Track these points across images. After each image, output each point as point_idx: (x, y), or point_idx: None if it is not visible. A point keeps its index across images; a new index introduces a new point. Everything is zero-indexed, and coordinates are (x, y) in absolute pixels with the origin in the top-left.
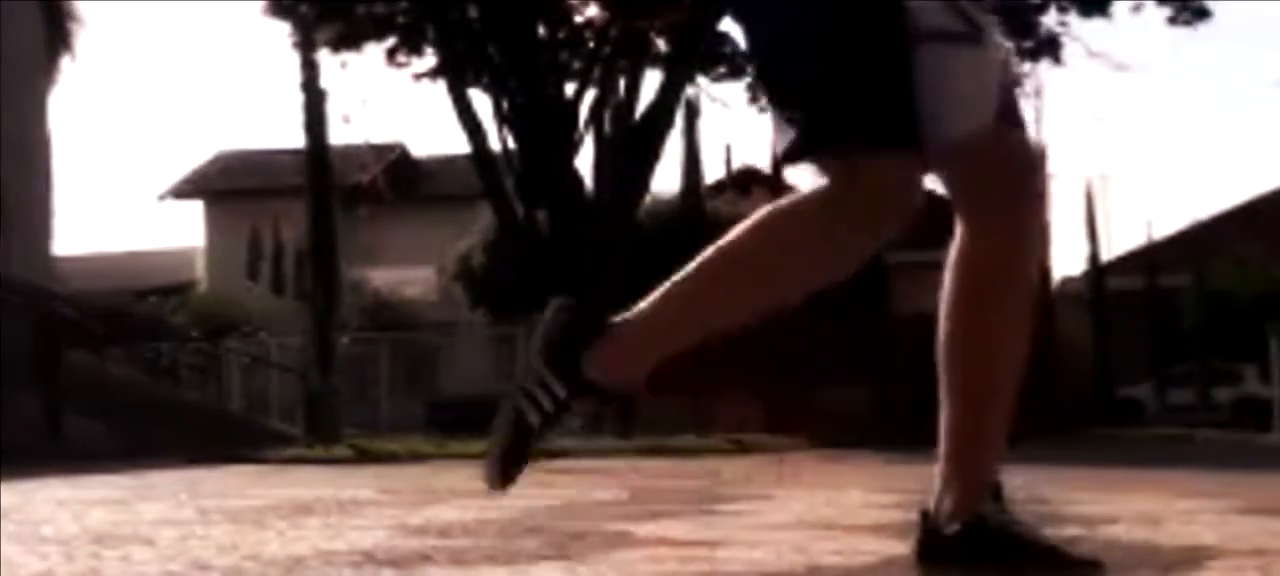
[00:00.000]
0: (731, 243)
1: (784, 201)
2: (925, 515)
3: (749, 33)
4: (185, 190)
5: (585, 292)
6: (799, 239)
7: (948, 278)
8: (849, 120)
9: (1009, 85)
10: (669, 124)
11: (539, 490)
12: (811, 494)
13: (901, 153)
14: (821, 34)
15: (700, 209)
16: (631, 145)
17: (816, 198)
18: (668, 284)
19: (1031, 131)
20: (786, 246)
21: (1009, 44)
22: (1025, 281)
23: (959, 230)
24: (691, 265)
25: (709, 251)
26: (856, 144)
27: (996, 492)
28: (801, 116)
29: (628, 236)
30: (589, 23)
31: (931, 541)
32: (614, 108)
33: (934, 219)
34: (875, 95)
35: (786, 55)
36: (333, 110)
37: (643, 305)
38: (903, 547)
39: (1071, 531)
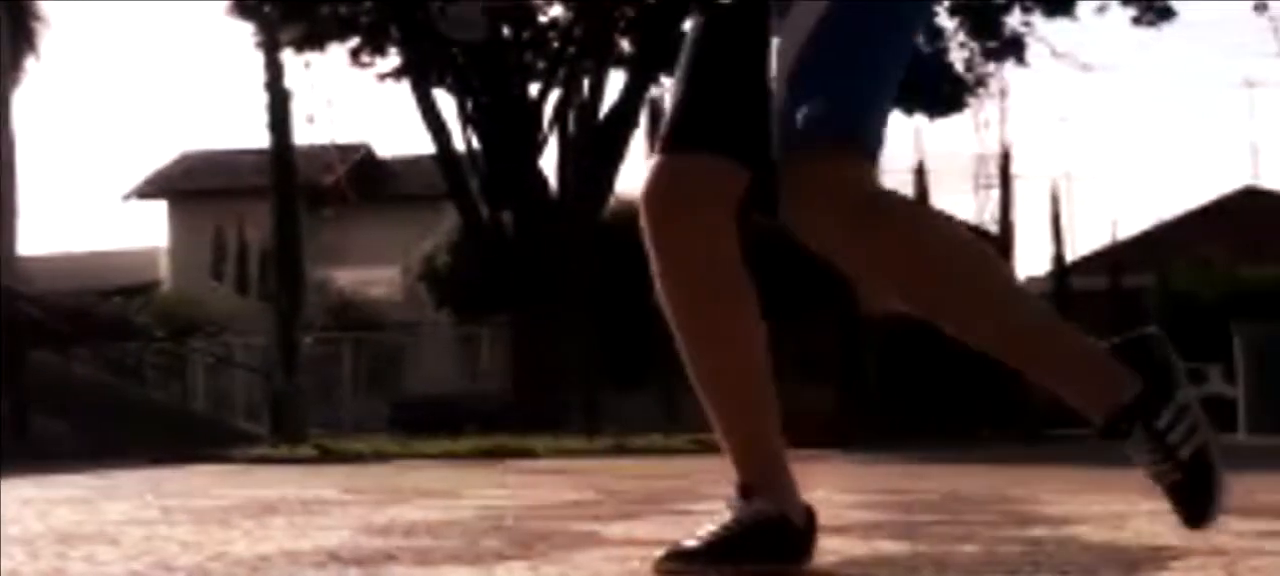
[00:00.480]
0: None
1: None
2: None
3: None
4: (149, 190)
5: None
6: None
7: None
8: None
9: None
10: (633, 124)
11: (505, 490)
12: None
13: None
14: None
15: None
16: (596, 145)
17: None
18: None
19: (993, 133)
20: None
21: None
22: (888, 238)
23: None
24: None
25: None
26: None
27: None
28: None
29: (592, 237)
30: (553, 22)
31: None
32: (578, 108)
33: None
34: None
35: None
36: (297, 110)
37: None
38: (865, 547)
39: (1037, 531)
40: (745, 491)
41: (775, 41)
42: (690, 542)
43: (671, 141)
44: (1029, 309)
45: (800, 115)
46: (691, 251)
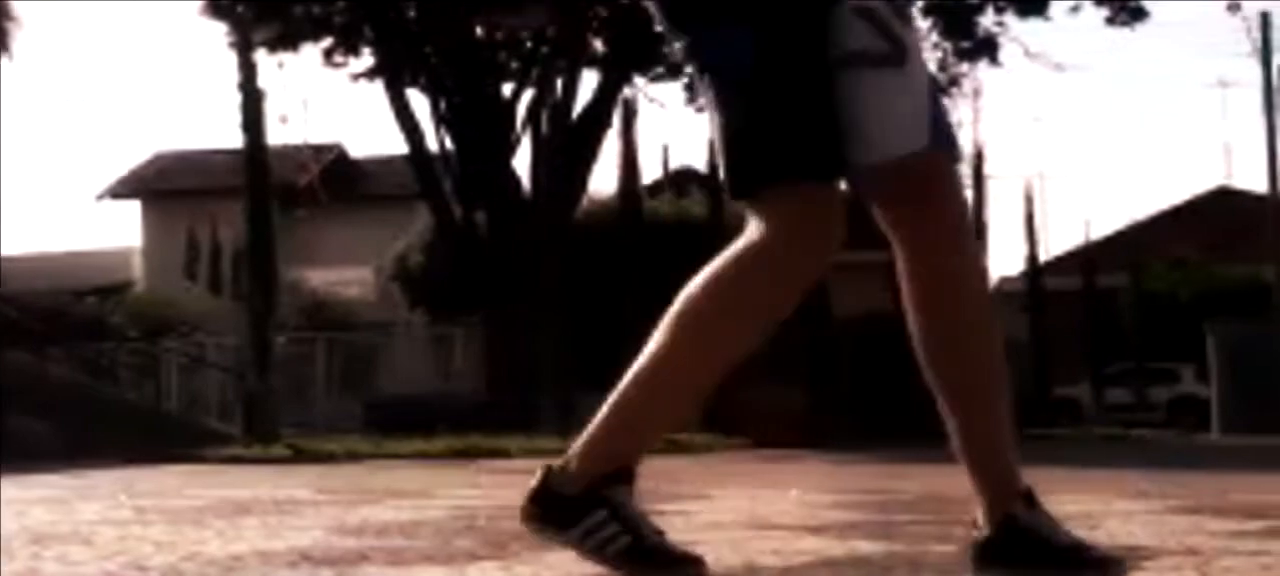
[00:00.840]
0: (689, 313)
1: (725, 258)
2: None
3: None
4: (122, 190)
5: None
6: (749, 291)
7: (913, 300)
8: (764, 162)
9: (938, 104)
10: (606, 124)
11: (477, 491)
12: (750, 493)
13: (819, 184)
14: (741, 71)
15: (637, 209)
16: (568, 145)
17: (749, 248)
18: (633, 378)
19: (966, 133)
20: (738, 303)
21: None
22: (985, 286)
23: (904, 251)
24: (652, 350)
25: (669, 328)
26: (774, 184)
27: (1028, 495)
28: (723, 162)
29: (565, 236)
30: (525, 25)
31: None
32: (551, 108)
33: (868, 219)
34: (790, 132)
35: (715, 94)
36: (270, 110)
37: (604, 416)
38: (841, 547)
39: None
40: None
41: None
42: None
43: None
44: (1002, 389)
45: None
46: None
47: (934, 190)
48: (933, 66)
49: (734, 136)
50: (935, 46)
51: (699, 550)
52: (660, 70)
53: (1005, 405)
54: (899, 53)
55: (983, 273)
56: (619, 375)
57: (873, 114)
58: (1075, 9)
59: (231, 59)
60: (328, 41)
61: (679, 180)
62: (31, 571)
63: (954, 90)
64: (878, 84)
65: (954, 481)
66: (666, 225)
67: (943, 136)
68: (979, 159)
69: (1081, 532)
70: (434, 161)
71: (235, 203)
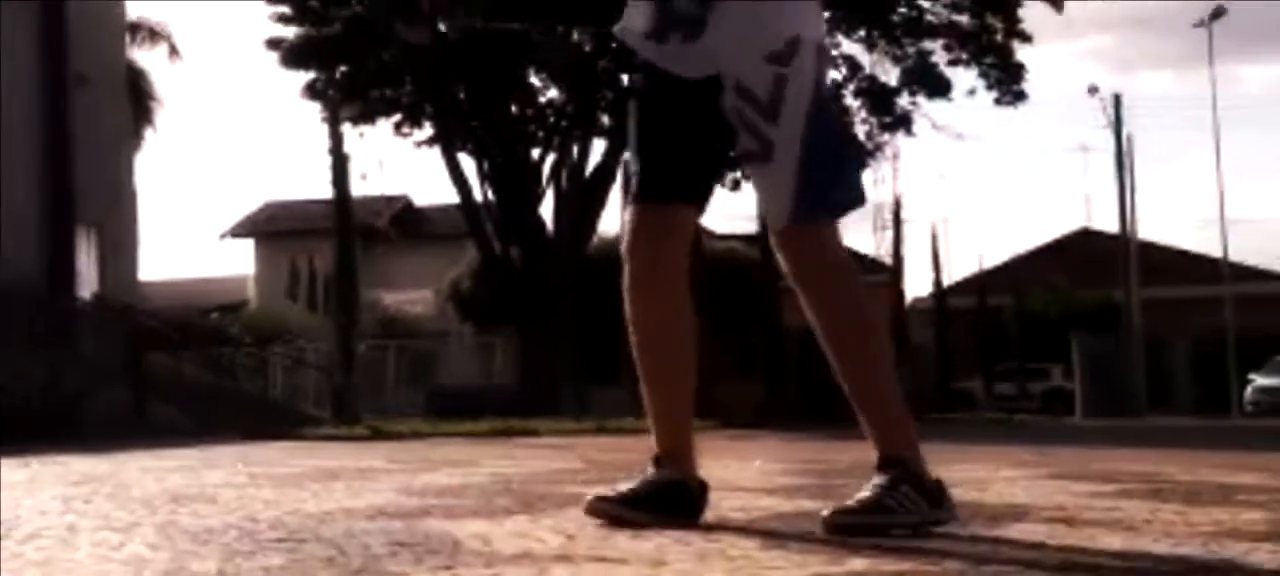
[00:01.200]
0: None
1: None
2: None
3: None
4: (240, 231)
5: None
6: None
7: (820, 330)
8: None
9: (811, 178)
10: (612, 181)
11: (512, 462)
12: (720, 463)
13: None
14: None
15: None
16: (583, 197)
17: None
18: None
19: (887, 187)
20: None
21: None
22: (845, 301)
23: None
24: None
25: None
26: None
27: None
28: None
29: (579, 267)
30: (551, 101)
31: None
32: (569, 168)
33: None
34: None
35: None
36: (354, 169)
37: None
38: (790, 504)
39: None
40: (658, 460)
41: (758, 124)
42: (611, 492)
43: (649, 193)
44: (890, 372)
45: (804, 203)
46: (667, 286)
47: (793, 250)
48: (862, 136)
49: None
50: (863, 121)
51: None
52: None
53: (894, 391)
54: (766, 149)
55: (845, 295)
56: (619, 376)
57: (760, 199)
58: (971, 92)
59: (324, 129)
60: (397, 117)
61: None
62: (170, 523)
63: (878, 154)
64: (758, 176)
65: (866, 456)
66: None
67: (806, 209)
68: (897, 206)
69: (974, 494)
70: (479, 209)
71: (327, 241)
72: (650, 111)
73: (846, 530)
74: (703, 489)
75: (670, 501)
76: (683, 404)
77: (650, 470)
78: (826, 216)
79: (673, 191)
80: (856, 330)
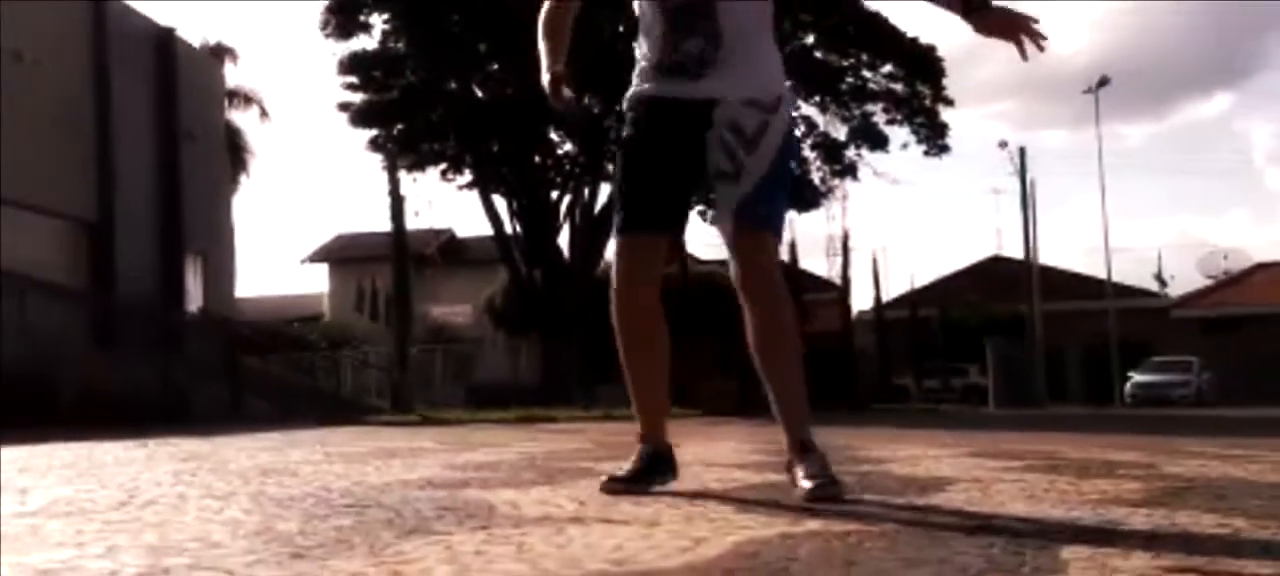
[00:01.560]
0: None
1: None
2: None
3: None
4: (316, 257)
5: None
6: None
7: (758, 331)
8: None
9: (743, 205)
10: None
11: (536, 443)
12: (703, 444)
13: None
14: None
15: None
16: (592, 231)
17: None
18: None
19: (836, 222)
20: None
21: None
22: (783, 317)
23: (745, 296)
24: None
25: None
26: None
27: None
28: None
29: (590, 288)
30: (566, 154)
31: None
32: (581, 207)
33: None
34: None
35: None
36: (408, 207)
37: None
38: (758, 477)
39: (864, 467)
40: (643, 439)
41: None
42: (619, 473)
43: (628, 227)
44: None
45: (759, 210)
46: (644, 301)
47: (741, 249)
48: (817, 181)
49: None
50: (818, 169)
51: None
52: None
53: (801, 387)
54: (737, 171)
55: (786, 306)
56: (619, 375)
57: (721, 211)
58: (905, 145)
59: (385, 176)
60: (443, 165)
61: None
62: (260, 492)
63: (830, 195)
64: (724, 190)
65: (828, 437)
66: (667, 281)
67: (752, 213)
68: (846, 237)
69: (908, 469)
70: (509, 240)
71: (386, 265)
72: (635, 154)
73: (826, 499)
74: (671, 451)
75: (657, 468)
76: (660, 393)
77: (640, 448)
78: (769, 230)
79: (648, 224)
80: (791, 337)
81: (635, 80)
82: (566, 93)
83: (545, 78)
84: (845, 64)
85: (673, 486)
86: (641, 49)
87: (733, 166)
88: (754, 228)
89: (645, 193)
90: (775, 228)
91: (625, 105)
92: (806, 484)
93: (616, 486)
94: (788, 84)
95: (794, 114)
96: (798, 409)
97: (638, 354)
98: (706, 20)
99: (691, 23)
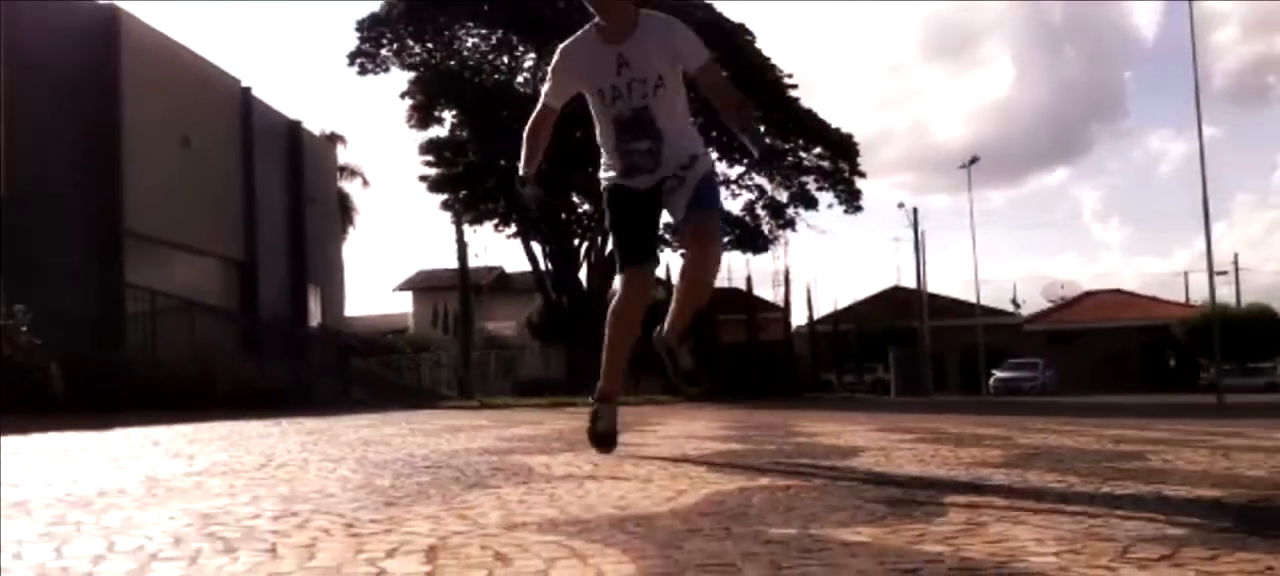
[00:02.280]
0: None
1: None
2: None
3: None
4: (403, 287)
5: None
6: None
7: (690, 273)
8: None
9: (695, 195)
10: None
11: (564, 421)
12: (684, 423)
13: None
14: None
15: None
16: (604, 266)
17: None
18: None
19: (782, 261)
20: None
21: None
22: (709, 264)
23: (685, 254)
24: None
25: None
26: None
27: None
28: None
29: (604, 309)
30: (585, 211)
31: (658, 341)
32: (596, 250)
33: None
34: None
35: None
36: (470, 250)
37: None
38: (724, 446)
39: (800, 439)
40: (607, 397)
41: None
42: (603, 428)
43: (627, 262)
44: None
45: (704, 196)
46: (629, 310)
47: (694, 219)
48: (766, 231)
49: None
50: (766, 223)
51: (663, 447)
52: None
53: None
54: (681, 182)
55: (715, 263)
56: (629, 366)
57: (674, 210)
58: (830, 205)
59: (453, 228)
60: (495, 220)
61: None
62: (363, 457)
63: (775, 241)
64: (675, 197)
65: (774, 417)
66: (662, 307)
67: (704, 201)
68: (787, 272)
69: (832, 440)
70: (543, 275)
71: (454, 292)
72: (620, 213)
73: (662, 347)
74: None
75: (616, 418)
76: (622, 368)
77: (611, 405)
78: (716, 210)
79: (638, 259)
80: (706, 279)
81: (606, 174)
82: (530, 189)
83: (520, 173)
84: (787, 146)
85: (661, 452)
86: (605, 151)
87: (679, 180)
88: (704, 207)
89: (633, 236)
90: (717, 210)
91: (604, 188)
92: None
93: (604, 442)
94: (704, 147)
95: (711, 163)
96: (680, 317)
97: (624, 333)
98: (648, 126)
99: (638, 130)
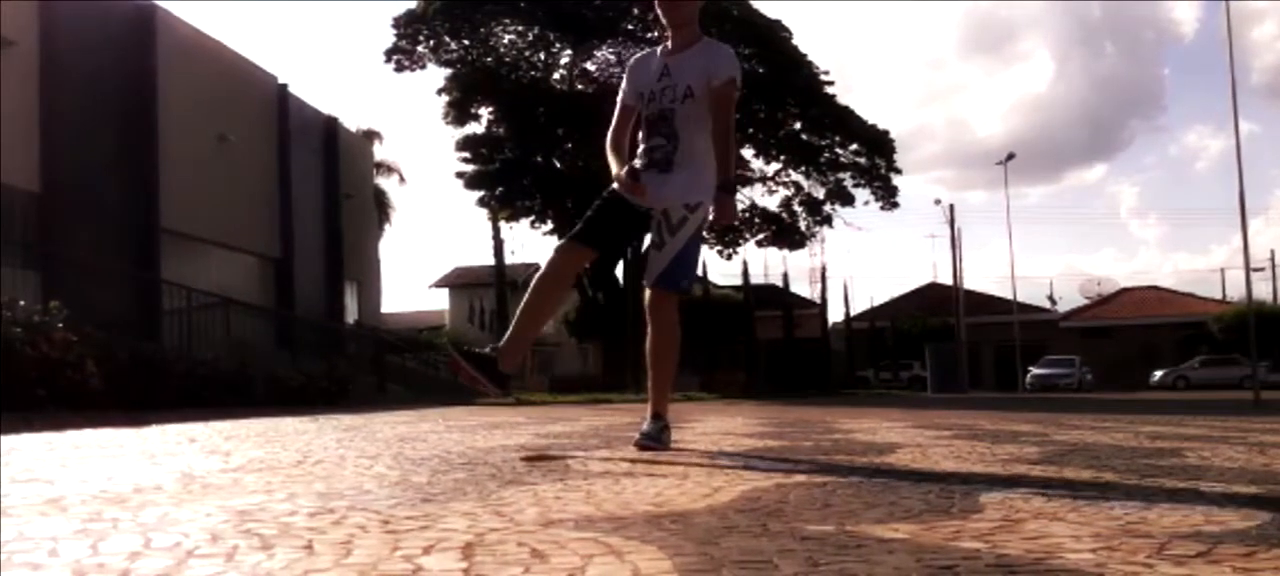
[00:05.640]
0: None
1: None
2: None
3: None
4: (440, 283)
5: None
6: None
7: (651, 344)
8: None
9: (661, 274)
10: None
11: (600, 418)
12: (720, 420)
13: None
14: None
15: None
16: (639, 264)
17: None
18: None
19: (817, 259)
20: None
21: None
22: (665, 338)
23: (649, 323)
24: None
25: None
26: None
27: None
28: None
29: (639, 306)
30: None
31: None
32: (632, 248)
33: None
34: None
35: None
36: (506, 247)
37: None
38: (761, 442)
39: (836, 436)
40: (511, 366)
41: (665, 233)
42: (648, 439)
43: (580, 237)
44: (672, 373)
45: (668, 276)
46: (564, 270)
47: (655, 301)
48: (804, 227)
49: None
50: (804, 219)
51: (700, 443)
52: None
53: (669, 381)
54: (661, 244)
55: (671, 333)
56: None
57: (648, 268)
58: (866, 202)
59: (489, 225)
60: (531, 217)
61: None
62: (399, 453)
63: (812, 238)
64: (653, 256)
65: (810, 413)
66: (695, 300)
67: (666, 280)
68: (824, 269)
69: (868, 437)
70: (580, 272)
71: (490, 289)
72: (605, 206)
73: (645, 448)
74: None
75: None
76: (533, 334)
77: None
78: (675, 290)
79: (583, 239)
80: (667, 351)
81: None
82: (633, 181)
83: (623, 174)
84: (823, 143)
85: (697, 447)
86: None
87: (660, 239)
88: (662, 288)
89: (601, 227)
90: (680, 287)
91: (608, 187)
92: (639, 433)
93: (483, 366)
94: (710, 197)
95: (703, 220)
96: (660, 390)
97: (546, 297)
98: (668, 126)
99: (659, 128)
